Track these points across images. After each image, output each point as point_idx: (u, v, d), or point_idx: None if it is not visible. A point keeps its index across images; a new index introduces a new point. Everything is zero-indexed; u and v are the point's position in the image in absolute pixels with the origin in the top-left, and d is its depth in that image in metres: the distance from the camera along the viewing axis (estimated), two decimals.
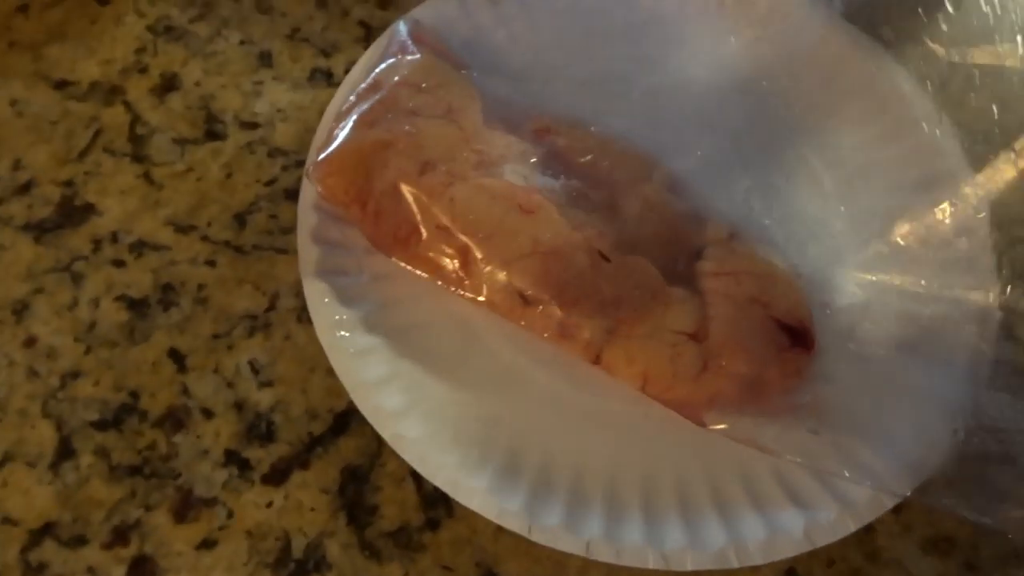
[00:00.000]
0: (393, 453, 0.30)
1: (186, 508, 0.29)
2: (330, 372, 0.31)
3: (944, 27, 0.32)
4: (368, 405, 0.28)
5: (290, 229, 0.34)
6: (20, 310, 0.32)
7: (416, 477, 0.30)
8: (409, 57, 0.33)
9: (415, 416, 0.29)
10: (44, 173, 0.35)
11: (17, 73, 0.37)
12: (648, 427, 0.29)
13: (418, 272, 0.30)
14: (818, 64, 0.34)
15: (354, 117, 0.31)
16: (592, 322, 0.28)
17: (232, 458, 0.30)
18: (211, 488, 0.29)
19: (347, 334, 0.29)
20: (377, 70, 0.32)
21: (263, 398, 0.31)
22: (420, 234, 0.29)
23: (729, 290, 0.28)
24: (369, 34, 0.38)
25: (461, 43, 0.34)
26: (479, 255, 0.29)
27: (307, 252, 0.30)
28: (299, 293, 0.33)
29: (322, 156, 0.31)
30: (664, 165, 0.31)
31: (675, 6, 0.35)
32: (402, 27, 0.33)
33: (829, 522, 0.27)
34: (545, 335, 0.29)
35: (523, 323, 0.29)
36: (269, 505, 0.29)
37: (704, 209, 0.31)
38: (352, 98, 0.32)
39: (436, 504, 0.30)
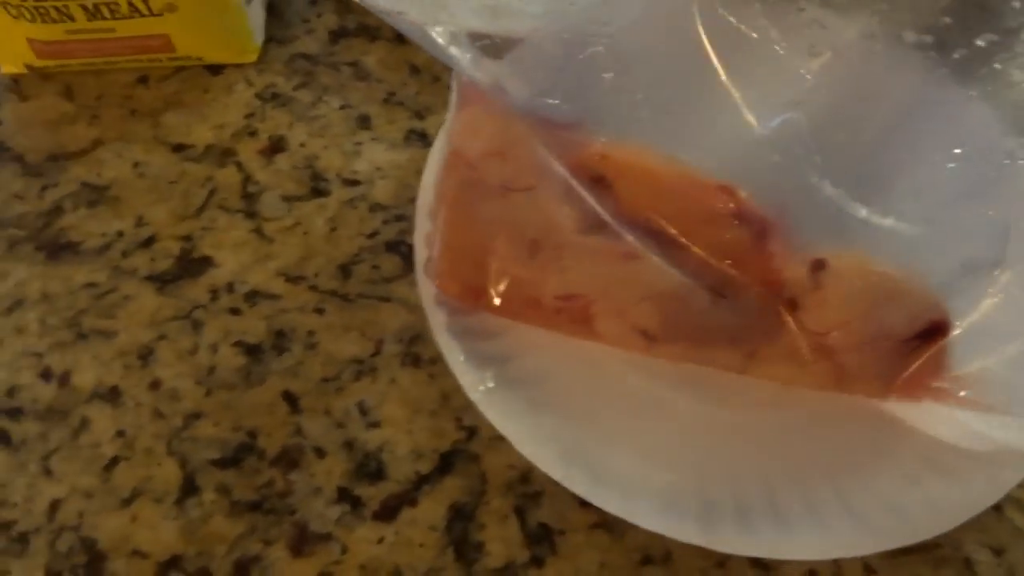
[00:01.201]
0: (498, 491, 0.31)
1: (303, 543, 0.30)
2: (433, 414, 0.33)
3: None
4: (528, 450, 0.30)
5: (392, 278, 0.36)
6: (146, 355, 0.34)
7: (520, 514, 0.31)
8: (481, 116, 0.34)
9: (570, 454, 0.30)
10: (164, 229, 0.37)
11: (138, 138, 0.40)
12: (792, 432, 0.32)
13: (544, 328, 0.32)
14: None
15: (448, 209, 0.32)
16: (724, 352, 0.30)
17: (344, 495, 0.31)
18: (325, 524, 0.31)
19: (492, 385, 0.31)
20: (452, 135, 0.33)
21: (371, 438, 0.32)
22: (540, 305, 0.31)
23: (841, 341, 0.29)
24: None
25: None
26: (597, 308, 0.31)
27: (435, 316, 0.32)
28: (402, 339, 0.35)
29: (431, 259, 0.32)
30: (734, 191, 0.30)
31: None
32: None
33: None
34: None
35: (661, 356, 0.31)
36: (380, 541, 0.31)
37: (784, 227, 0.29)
38: (439, 172, 0.33)
39: (540, 541, 0.31)
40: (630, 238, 0.31)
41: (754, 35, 0.28)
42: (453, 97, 0.33)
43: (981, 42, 0.28)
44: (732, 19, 0.28)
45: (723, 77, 0.28)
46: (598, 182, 0.32)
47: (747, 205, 0.28)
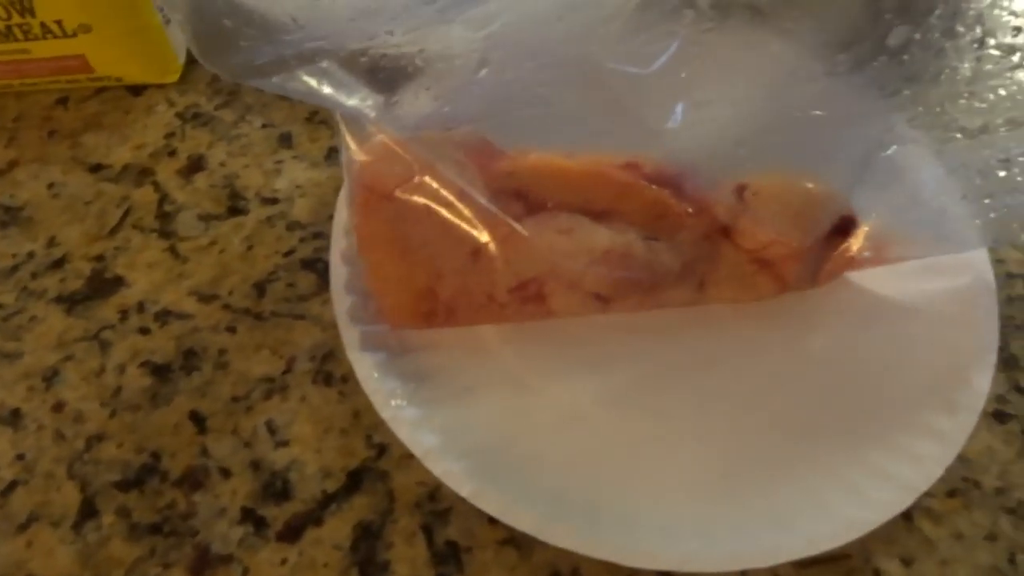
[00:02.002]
0: (406, 509, 0.31)
1: (203, 566, 0.30)
2: (343, 432, 0.33)
3: None
4: (439, 468, 0.30)
5: (306, 296, 0.36)
6: (50, 376, 0.33)
7: (428, 533, 0.30)
8: (386, 148, 0.34)
9: (485, 472, 0.30)
10: (76, 249, 0.37)
11: (56, 159, 0.39)
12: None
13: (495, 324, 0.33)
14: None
15: (378, 246, 0.32)
16: (676, 290, 0.32)
17: (248, 516, 0.31)
18: (227, 545, 0.30)
19: (403, 403, 0.31)
20: (361, 174, 0.33)
21: (279, 457, 0.32)
22: (496, 301, 0.32)
23: (777, 252, 0.32)
24: None
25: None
26: (551, 285, 0.32)
27: (348, 332, 0.32)
28: (314, 357, 0.34)
29: (367, 302, 0.32)
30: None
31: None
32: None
33: None
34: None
35: (615, 312, 0.32)
36: (283, 562, 0.30)
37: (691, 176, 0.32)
38: (352, 216, 0.33)
39: (447, 560, 0.30)
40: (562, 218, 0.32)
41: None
42: (345, 140, 0.33)
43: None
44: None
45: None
46: (515, 196, 0.32)
47: (655, 169, 0.31)
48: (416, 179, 0.33)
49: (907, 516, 0.30)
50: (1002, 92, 0.30)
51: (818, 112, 0.31)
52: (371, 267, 0.32)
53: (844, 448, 0.32)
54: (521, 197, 0.33)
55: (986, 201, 0.33)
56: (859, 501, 0.30)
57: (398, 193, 0.33)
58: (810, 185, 0.32)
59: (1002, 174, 0.32)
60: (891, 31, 0.29)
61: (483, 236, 0.32)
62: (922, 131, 0.32)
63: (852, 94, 0.33)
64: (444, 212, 0.33)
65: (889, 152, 0.34)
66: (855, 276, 0.35)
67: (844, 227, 0.32)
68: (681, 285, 0.32)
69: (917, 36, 0.30)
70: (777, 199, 0.31)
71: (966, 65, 0.30)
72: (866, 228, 0.34)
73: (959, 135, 0.32)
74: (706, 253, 0.32)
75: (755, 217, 0.31)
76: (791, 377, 0.34)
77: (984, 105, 0.31)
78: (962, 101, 0.31)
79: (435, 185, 0.33)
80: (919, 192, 0.34)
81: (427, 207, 0.32)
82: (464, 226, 0.32)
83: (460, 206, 0.33)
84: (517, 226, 0.32)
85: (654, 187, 0.31)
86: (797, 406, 0.33)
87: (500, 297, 0.32)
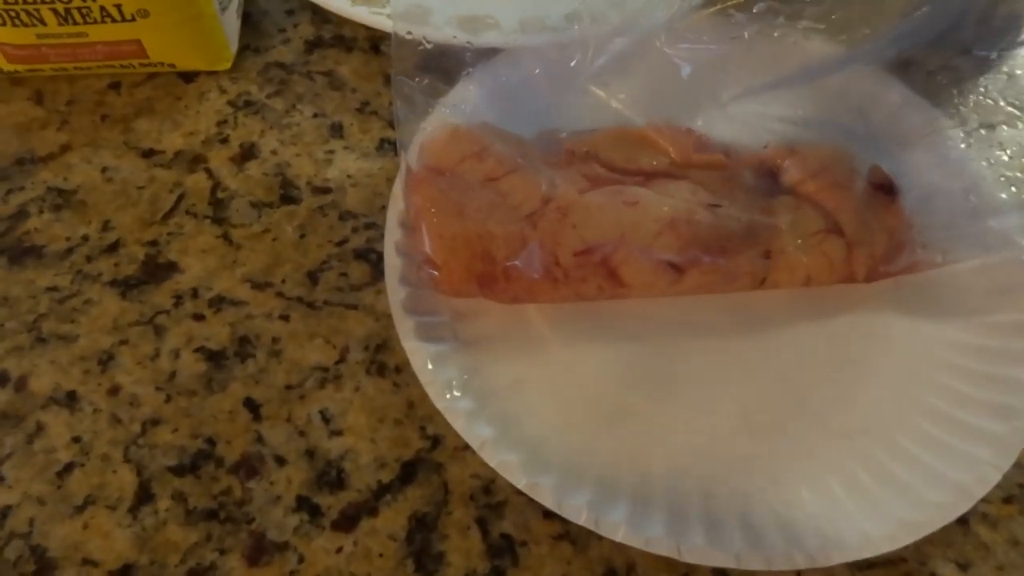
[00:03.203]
0: (460, 502, 0.31)
1: (259, 552, 0.30)
2: (397, 423, 0.33)
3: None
4: (495, 460, 0.30)
5: (359, 286, 0.36)
6: (106, 360, 0.34)
7: (482, 525, 0.30)
8: (449, 134, 0.35)
9: (538, 465, 0.30)
10: (130, 234, 0.37)
11: (108, 144, 0.40)
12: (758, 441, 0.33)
13: (563, 302, 0.34)
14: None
15: (436, 216, 0.33)
16: (745, 257, 0.33)
17: (303, 504, 0.31)
18: (283, 533, 0.30)
19: (458, 394, 0.31)
20: (422, 153, 0.34)
21: (333, 446, 0.32)
22: (561, 269, 0.32)
23: (824, 184, 0.34)
24: None
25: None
26: (620, 256, 0.32)
27: (403, 323, 0.32)
28: (368, 347, 0.34)
29: (423, 262, 0.33)
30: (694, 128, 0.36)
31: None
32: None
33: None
34: (711, 288, 0.34)
35: (685, 289, 0.33)
36: (339, 551, 0.30)
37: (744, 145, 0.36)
38: (407, 191, 0.34)
39: (502, 553, 0.30)
40: (628, 185, 0.34)
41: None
42: (400, 119, 0.34)
43: None
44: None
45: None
46: (585, 157, 0.35)
47: (706, 136, 0.36)
48: (478, 155, 0.33)
49: (963, 520, 0.30)
50: None
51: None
52: (427, 228, 0.32)
53: (894, 447, 0.32)
54: (588, 164, 0.35)
55: None
56: (914, 503, 0.30)
57: (456, 168, 0.33)
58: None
59: None
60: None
61: (540, 203, 0.33)
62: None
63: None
64: (503, 181, 0.33)
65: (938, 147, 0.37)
66: (908, 279, 0.35)
67: (885, 184, 0.35)
68: (748, 250, 0.33)
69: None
70: (816, 148, 0.36)
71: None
72: (921, 232, 0.35)
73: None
74: (764, 208, 0.34)
75: (800, 157, 0.35)
76: (839, 376, 0.34)
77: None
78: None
79: (496, 159, 0.34)
80: (972, 188, 0.36)
81: (483, 178, 0.33)
82: (519, 194, 0.33)
83: (516, 178, 0.33)
84: (583, 198, 0.33)
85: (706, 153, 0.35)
86: (846, 406, 0.33)
87: (565, 260, 0.32)
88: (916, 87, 0.38)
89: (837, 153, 0.36)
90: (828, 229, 0.34)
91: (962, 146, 0.37)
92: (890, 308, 0.35)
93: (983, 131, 0.37)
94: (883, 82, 0.38)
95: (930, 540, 0.29)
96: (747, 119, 0.37)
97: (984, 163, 0.36)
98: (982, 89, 0.37)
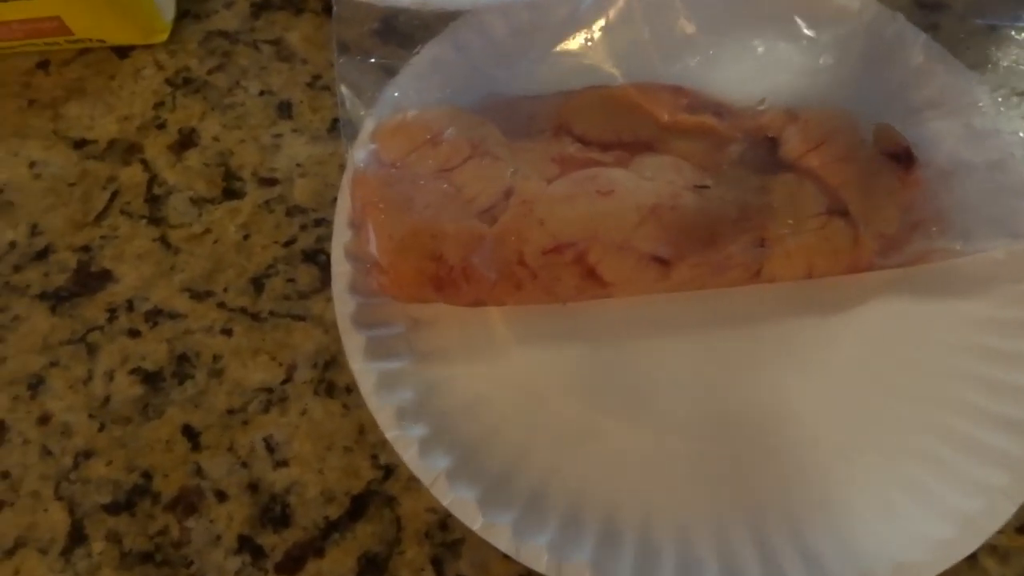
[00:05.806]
0: (414, 539, 0.29)
1: None
2: (347, 450, 0.30)
3: None
4: (448, 498, 0.27)
5: (307, 294, 0.33)
6: (35, 384, 0.31)
7: (437, 566, 0.28)
8: (399, 122, 0.31)
9: (498, 500, 0.28)
10: (61, 238, 0.34)
11: (36, 133, 0.36)
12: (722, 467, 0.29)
13: (532, 303, 0.30)
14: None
15: (384, 213, 0.29)
16: (736, 246, 0.29)
17: (245, 545, 0.29)
18: None
19: (410, 423, 0.28)
20: (371, 143, 0.31)
21: (278, 479, 0.29)
22: (527, 269, 0.28)
23: (828, 157, 0.30)
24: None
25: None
26: (598, 252, 0.28)
27: (351, 340, 0.29)
28: (316, 364, 0.31)
29: (370, 266, 0.29)
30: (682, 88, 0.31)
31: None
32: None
33: None
34: (701, 284, 0.30)
35: (674, 285, 0.29)
36: None
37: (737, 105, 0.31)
38: (353, 187, 0.30)
39: None
40: (603, 168, 0.30)
41: None
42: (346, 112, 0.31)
43: None
44: None
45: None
46: (557, 132, 0.31)
47: (696, 95, 0.31)
48: (425, 144, 0.30)
49: (971, 556, 0.27)
50: None
51: None
52: (374, 227, 0.29)
53: (897, 476, 0.28)
54: (560, 141, 0.31)
55: None
56: (915, 539, 0.27)
57: (405, 159, 0.30)
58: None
59: None
60: None
61: (501, 195, 0.29)
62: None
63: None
64: (456, 172, 0.29)
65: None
66: (924, 285, 0.31)
67: (898, 152, 0.30)
68: (741, 237, 0.29)
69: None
70: (820, 114, 0.31)
71: None
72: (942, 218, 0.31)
73: None
74: (759, 187, 0.30)
75: (802, 124, 0.30)
76: (839, 395, 0.30)
77: None
78: None
79: (451, 145, 0.30)
80: (998, 164, 0.31)
81: (436, 169, 0.30)
82: (476, 185, 0.29)
83: (473, 167, 0.30)
84: (549, 188, 0.29)
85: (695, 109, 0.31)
86: (844, 426, 0.30)
87: (533, 260, 0.28)
88: (944, 38, 0.33)
89: (842, 119, 0.31)
90: (832, 210, 0.30)
91: (989, 113, 0.32)
92: (898, 301, 0.31)
93: (1015, 98, 0.32)
94: (906, 32, 0.33)
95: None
96: (746, 65, 0.32)
97: (1014, 135, 0.32)
98: (1018, 51, 0.32)
